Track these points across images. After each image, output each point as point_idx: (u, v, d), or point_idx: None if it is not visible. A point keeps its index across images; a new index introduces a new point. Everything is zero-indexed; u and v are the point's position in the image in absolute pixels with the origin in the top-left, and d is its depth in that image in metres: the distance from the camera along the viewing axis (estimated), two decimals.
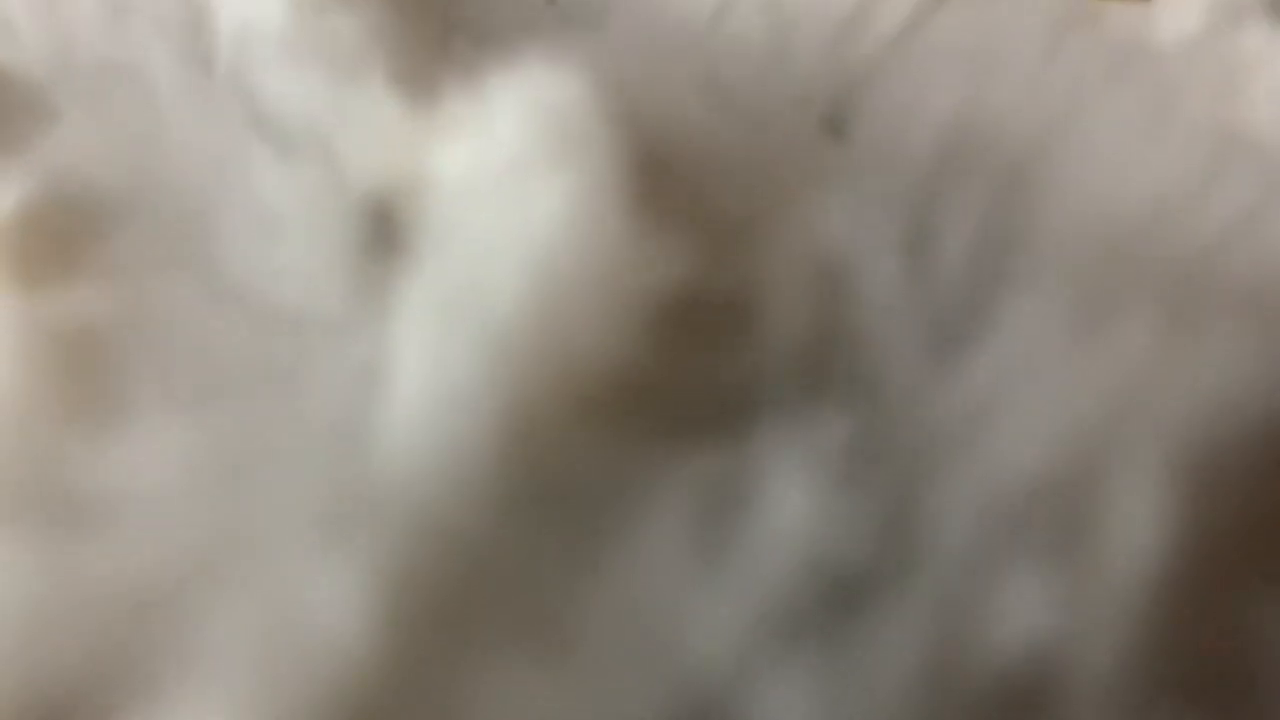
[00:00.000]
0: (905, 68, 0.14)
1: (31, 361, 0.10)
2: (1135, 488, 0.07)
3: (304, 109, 0.12)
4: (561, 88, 0.10)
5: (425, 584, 0.08)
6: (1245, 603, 0.07)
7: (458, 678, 0.08)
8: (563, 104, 0.10)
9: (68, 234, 0.11)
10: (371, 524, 0.08)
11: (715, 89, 0.13)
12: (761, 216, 0.11)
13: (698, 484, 0.09)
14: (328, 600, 0.07)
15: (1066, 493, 0.08)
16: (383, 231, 0.11)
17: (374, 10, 0.13)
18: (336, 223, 0.11)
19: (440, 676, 0.08)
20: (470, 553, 0.08)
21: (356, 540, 0.08)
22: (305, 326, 0.10)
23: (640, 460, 0.09)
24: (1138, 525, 0.07)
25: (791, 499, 0.08)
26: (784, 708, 0.08)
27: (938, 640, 0.08)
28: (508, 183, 0.10)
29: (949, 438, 0.08)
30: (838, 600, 0.08)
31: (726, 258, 0.10)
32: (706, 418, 0.09)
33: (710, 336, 0.10)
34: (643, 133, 0.11)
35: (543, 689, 0.08)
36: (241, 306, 0.10)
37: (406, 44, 0.12)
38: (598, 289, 0.09)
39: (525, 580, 0.08)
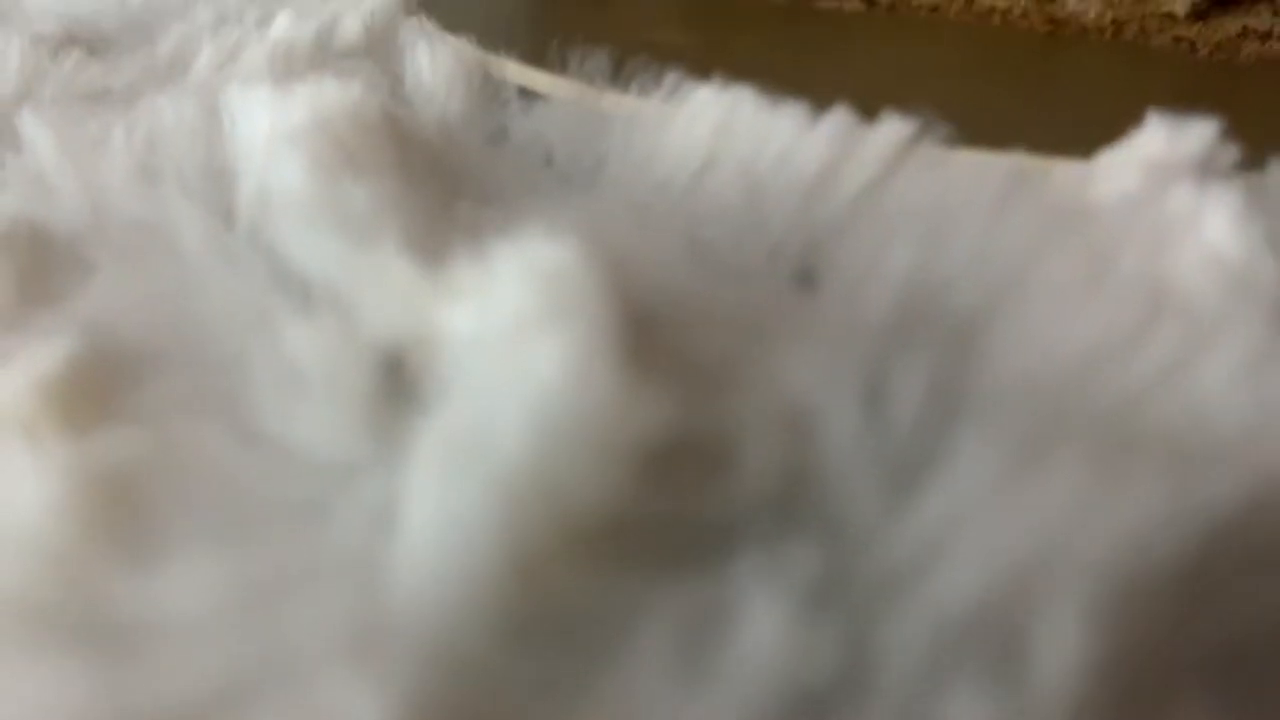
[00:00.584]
0: (868, 226, 0.15)
1: (76, 501, 0.11)
2: (1061, 617, 0.08)
3: (323, 269, 0.13)
4: (557, 252, 0.11)
5: (438, 704, 0.09)
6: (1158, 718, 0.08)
7: None
8: (558, 268, 0.11)
9: (107, 383, 0.12)
10: (388, 650, 0.09)
11: (696, 246, 0.15)
12: (738, 366, 0.12)
13: (680, 613, 0.10)
14: (353, 718, 0.08)
15: (1002, 620, 0.09)
16: (395, 382, 0.12)
17: (386, 179, 0.14)
18: (353, 374, 0.12)
19: None
20: (477, 675, 0.09)
21: (375, 664, 0.09)
22: (325, 468, 0.11)
23: (629, 591, 0.10)
24: (1063, 650, 0.08)
25: (764, 626, 0.09)
26: None
27: None
28: (509, 339, 0.11)
29: (902, 570, 0.09)
30: (804, 716, 0.09)
31: (706, 405, 0.11)
32: (688, 552, 0.10)
33: (691, 477, 0.11)
34: (630, 290, 0.12)
35: None
36: (267, 449, 0.11)
37: (416, 211, 0.14)
38: (590, 435, 0.10)
39: (527, 700, 0.09)
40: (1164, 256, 0.14)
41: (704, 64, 0.19)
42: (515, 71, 0.20)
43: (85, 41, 0.22)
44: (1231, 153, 0.15)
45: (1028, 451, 0.10)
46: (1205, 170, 0.15)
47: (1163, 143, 0.15)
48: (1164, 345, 0.12)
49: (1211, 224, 0.14)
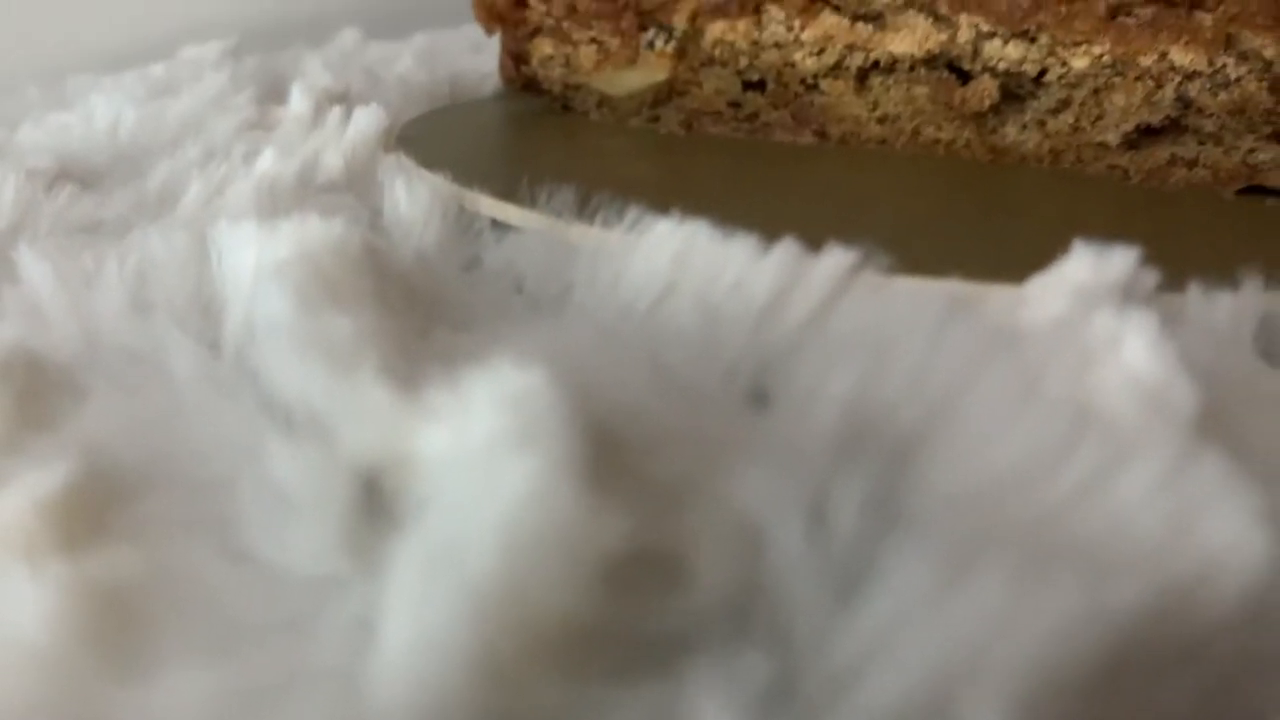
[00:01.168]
0: (815, 350, 0.16)
1: (73, 616, 0.11)
2: (986, 716, 0.09)
3: (306, 395, 0.14)
4: (526, 378, 0.12)
5: None
6: None
7: None
8: (527, 392, 0.12)
9: (102, 504, 0.13)
10: None
11: (657, 368, 0.16)
12: (694, 484, 0.13)
13: (639, 718, 0.10)
14: None
15: (934, 718, 0.09)
16: (374, 501, 0.12)
17: (366, 309, 0.15)
18: (334, 493, 0.12)
19: None
20: None
21: None
22: (308, 584, 0.12)
23: (592, 698, 0.11)
24: None
25: None
26: None
27: None
28: (481, 460, 0.12)
29: (843, 675, 0.10)
30: None
31: (663, 521, 0.12)
32: (646, 660, 0.11)
33: (649, 589, 0.11)
34: (594, 413, 0.13)
35: None
36: (254, 567, 0.12)
37: (394, 339, 0.15)
38: (556, 550, 0.11)
39: None
40: (1087, 377, 0.15)
41: (667, 196, 0.20)
42: (488, 205, 0.21)
43: (77, 176, 0.23)
44: (1151, 278, 0.17)
45: (958, 561, 0.11)
46: (1127, 295, 0.16)
47: (1088, 269, 0.16)
48: (1085, 461, 0.13)
49: (1130, 347, 0.15)
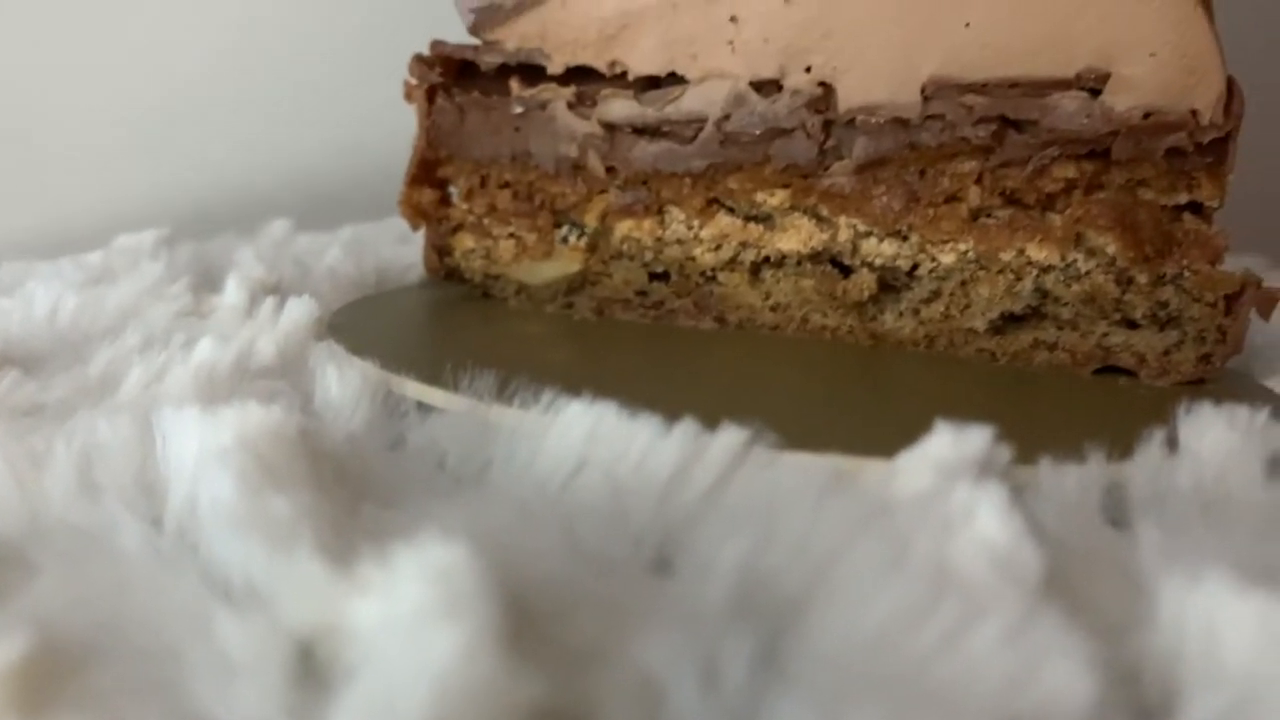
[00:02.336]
0: (712, 520, 0.18)
1: None
2: None
3: (247, 569, 0.15)
4: (449, 552, 0.14)
5: None
6: None
7: None
8: (450, 566, 0.14)
9: (54, 674, 0.14)
10: None
11: (570, 539, 0.17)
12: (602, 645, 0.14)
13: None
14: None
15: None
16: (311, 668, 0.14)
17: (302, 490, 0.17)
18: (275, 660, 0.14)
19: None
20: None
21: None
22: None
23: None
24: None
25: None
26: None
27: None
28: (409, 629, 0.13)
29: None
30: None
31: (574, 682, 0.13)
32: None
33: None
34: (512, 583, 0.14)
35: None
36: None
37: (327, 516, 0.16)
38: (478, 711, 0.12)
39: None
40: (948, 543, 0.17)
41: (580, 379, 0.22)
42: (414, 389, 0.23)
43: (18, 360, 0.24)
44: (1005, 453, 0.19)
45: (835, 711, 0.12)
46: (983, 469, 0.18)
47: (949, 446, 0.19)
48: (944, 619, 0.15)
49: (983, 516, 0.17)
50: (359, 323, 0.28)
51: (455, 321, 0.30)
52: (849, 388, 0.26)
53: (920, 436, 0.19)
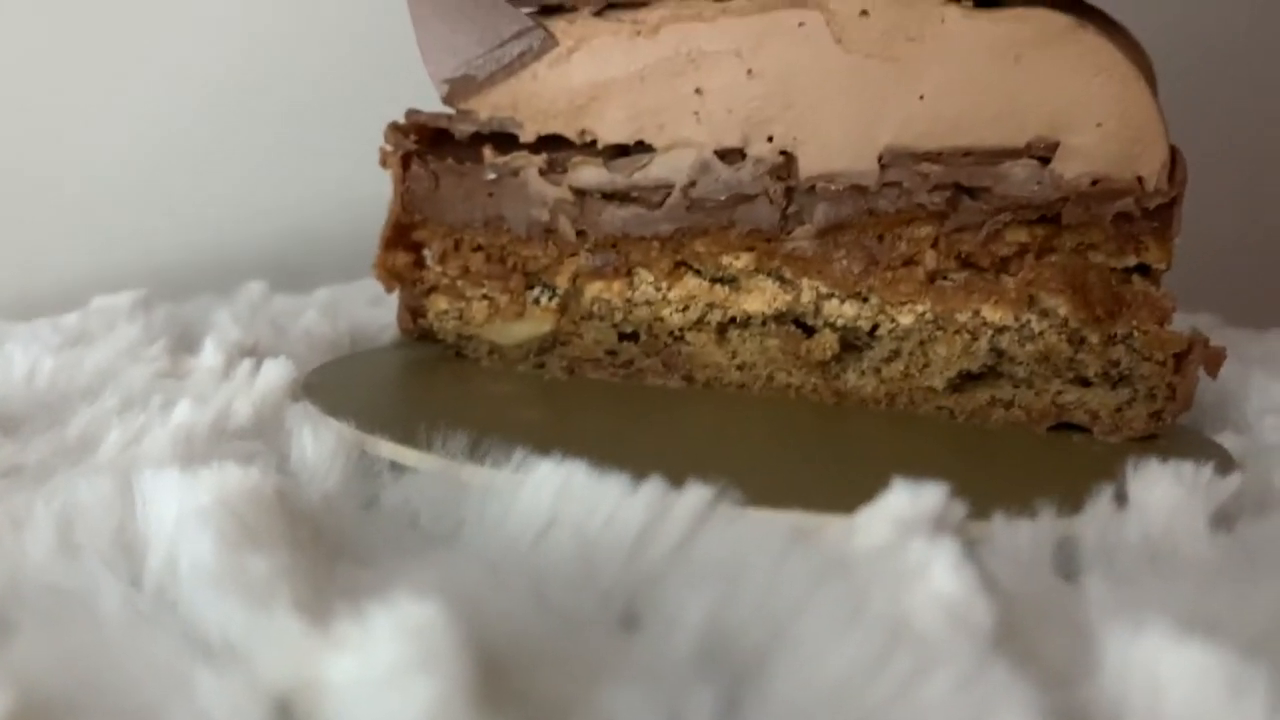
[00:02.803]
0: (678, 576, 0.18)
1: None
2: None
3: (225, 628, 0.15)
4: (422, 609, 0.14)
5: None
6: None
7: None
8: (423, 623, 0.14)
9: None
10: None
11: (540, 596, 0.18)
12: (571, 699, 0.15)
13: None
14: None
15: None
16: None
17: (279, 549, 0.17)
18: (252, 717, 0.14)
19: None
20: None
21: None
22: None
23: None
24: None
25: None
26: None
27: None
28: (383, 685, 0.14)
29: None
30: None
31: None
32: None
33: None
34: (484, 639, 0.15)
35: None
36: None
37: (303, 575, 0.17)
38: None
39: None
40: (904, 597, 0.17)
41: (550, 438, 0.22)
42: (388, 449, 0.24)
43: None
44: (959, 510, 0.20)
45: None
46: (938, 525, 0.19)
47: (905, 503, 0.19)
48: (899, 669, 0.15)
49: (937, 571, 0.17)
50: (334, 384, 0.29)
51: (429, 381, 0.31)
52: (812, 445, 0.27)
53: (880, 493, 0.20)
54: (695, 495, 0.20)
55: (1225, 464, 0.25)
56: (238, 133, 0.49)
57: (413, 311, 0.33)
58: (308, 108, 0.49)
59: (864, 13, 0.27)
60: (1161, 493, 0.21)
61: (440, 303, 0.33)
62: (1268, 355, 0.38)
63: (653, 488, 0.20)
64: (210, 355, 0.28)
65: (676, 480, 0.20)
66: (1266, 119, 0.54)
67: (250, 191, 0.49)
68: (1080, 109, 0.26)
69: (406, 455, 0.23)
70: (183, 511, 0.18)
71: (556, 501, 0.20)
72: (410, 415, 0.25)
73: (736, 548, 0.19)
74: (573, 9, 0.30)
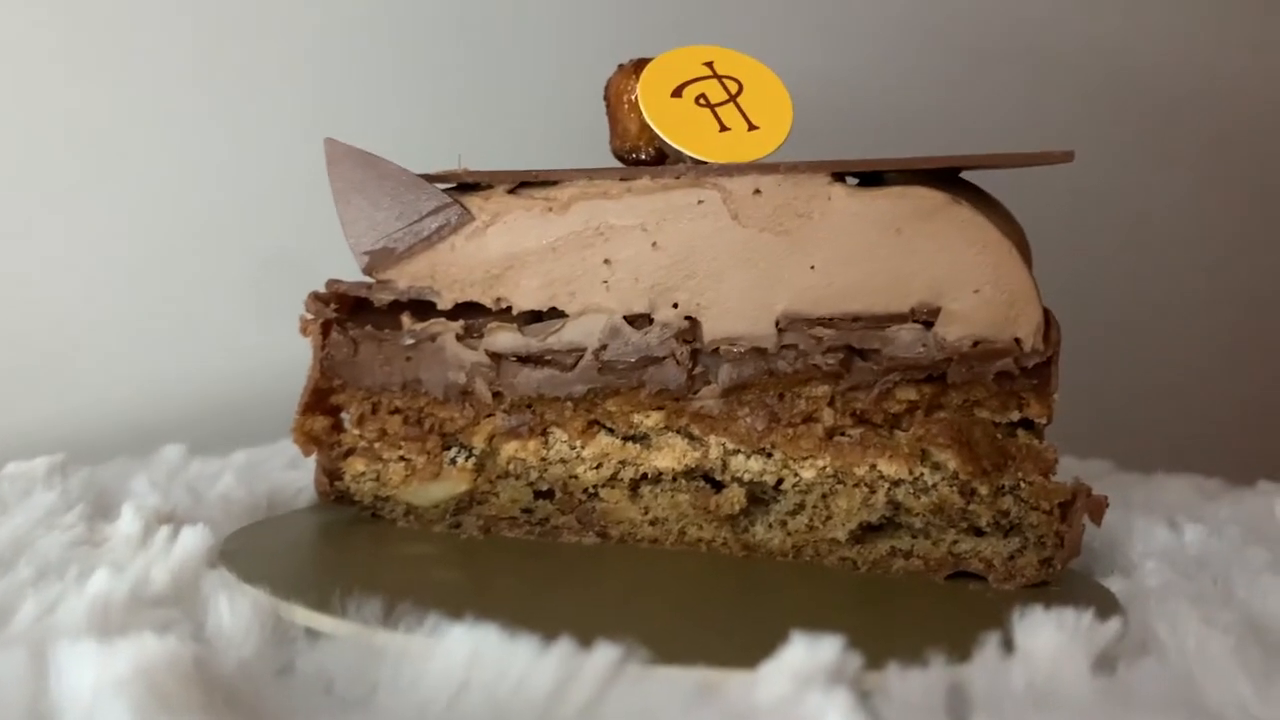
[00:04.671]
0: None
1: None
2: None
3: None
4: None
5: None
6: None
7: None
8: None
9: None
10: None
11: None
12: None
13: None
14: None
15: None
16: None
17: (197, 718, 0.17)
18: None
19: None
20: None
21: None
22: None
23: None
24: None
25: None
26: None
27: None
28: None
29: None
30: None
31: None
32: None
33: None
34: None
35: None
36: None
37: None
38: None
39: None
40: None
41: (464, 599, 0.23)
42: (303, 615, 0.24)
43: None
44: (855, 661, 0.20)
45: None
46: (834, 676, 0.20)
47: (803, 656, 0.20)
48: None
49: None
50: (250, 549, 0.29)
51: (345, 544, 0.31)
52: (721, 599, 0.28)
53: (781, 646, 0.21)
54: (604, 655, 0.20)
55: (1108, 609, 0.26)
56: (156, 297, 0.50)
57: (330, 474, 0.34)
58: (226, 273, 0.50)
59: (757, 191, 0.29)
60: (1045, 639, 0.22)
61: (358, 465, 0.34)
62: (1150, 500, 0.40)
63: (562, 649, 0.20)
64: (128, 523, 0.29)
65: (587, 640, 0.21)
66: (1146, 277, 0.58)
67: (168, 355, 0.49)
68: (958, 277, 0.29)
69: (321, 621, 0.24)
70: (100, 683, 0.18)
71: (468, 665, 0.20)
72: (326, 580, 0.26)
73: (645, 705, 0.20)
74: (489, 186, 0.31)
